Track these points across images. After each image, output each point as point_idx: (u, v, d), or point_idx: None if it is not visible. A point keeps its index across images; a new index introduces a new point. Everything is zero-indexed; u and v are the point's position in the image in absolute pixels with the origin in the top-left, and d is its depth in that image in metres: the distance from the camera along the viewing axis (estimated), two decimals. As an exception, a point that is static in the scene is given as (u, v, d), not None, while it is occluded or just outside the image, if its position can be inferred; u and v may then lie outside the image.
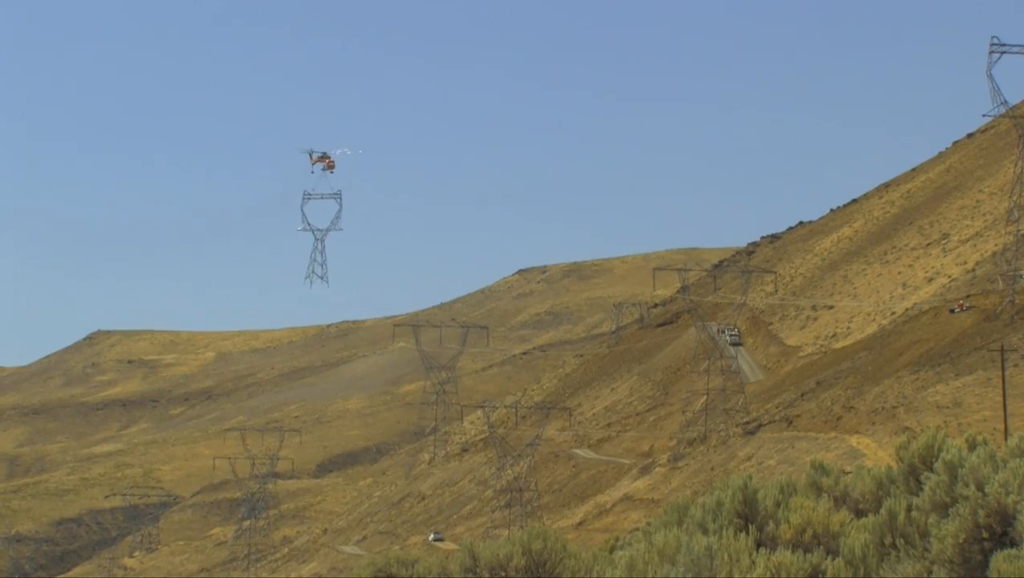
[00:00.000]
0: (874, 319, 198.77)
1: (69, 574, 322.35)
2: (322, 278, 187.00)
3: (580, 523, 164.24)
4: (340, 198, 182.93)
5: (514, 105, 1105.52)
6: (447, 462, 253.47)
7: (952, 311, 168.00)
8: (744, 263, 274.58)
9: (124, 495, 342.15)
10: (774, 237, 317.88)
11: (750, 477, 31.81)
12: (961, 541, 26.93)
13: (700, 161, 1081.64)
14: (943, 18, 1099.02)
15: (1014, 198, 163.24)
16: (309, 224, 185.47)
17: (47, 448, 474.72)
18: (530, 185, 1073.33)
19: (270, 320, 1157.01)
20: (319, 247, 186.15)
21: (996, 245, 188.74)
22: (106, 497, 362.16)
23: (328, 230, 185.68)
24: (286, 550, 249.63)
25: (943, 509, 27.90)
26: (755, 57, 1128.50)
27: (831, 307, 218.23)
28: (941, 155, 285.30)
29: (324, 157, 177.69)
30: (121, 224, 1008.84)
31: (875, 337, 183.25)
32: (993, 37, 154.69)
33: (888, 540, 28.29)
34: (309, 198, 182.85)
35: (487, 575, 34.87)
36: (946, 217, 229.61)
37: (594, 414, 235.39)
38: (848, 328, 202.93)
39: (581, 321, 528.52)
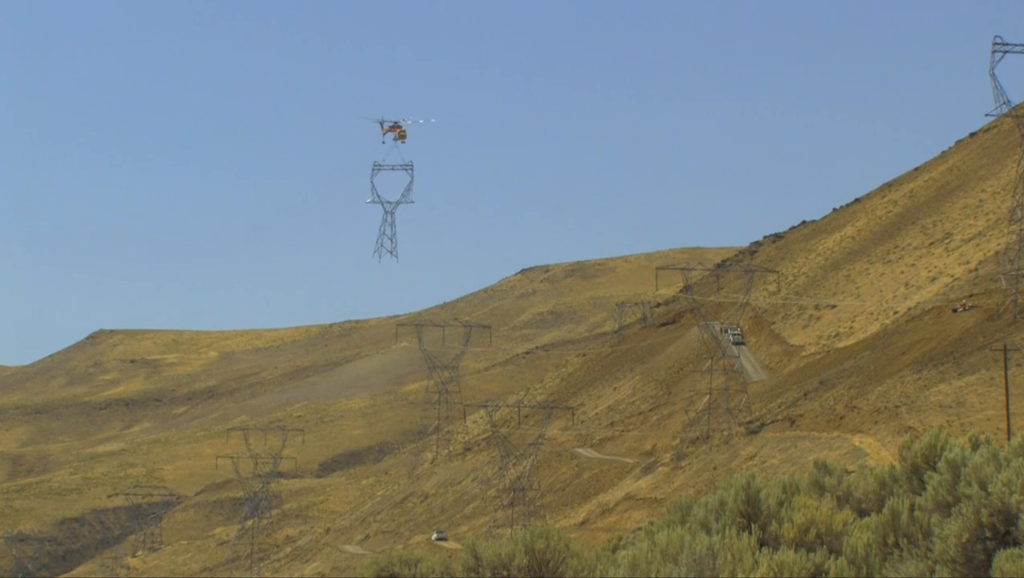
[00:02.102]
0: (877, 318, 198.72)
1: (72, 573, 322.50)
2: (391, 252, 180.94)
3: (583, 522, 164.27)
4: (412, 169, 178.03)
5: (515, 104, 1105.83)
6: (450, 461, 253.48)
7: (955, 310, 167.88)
8: (747, 262, 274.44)
9: (127, 494, 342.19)
10: (777, 236, 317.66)
11: (753, 476, 31.83)
12: (964, 541, 26.93)
13: (703, 160, 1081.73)
14: (946, 17, 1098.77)
15: (1017, 197, 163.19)
16: (378, 196, 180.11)
17: (50, 447, 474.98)
18: (533, 184, 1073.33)
19: (273, 319, 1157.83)
20: (388, 220, 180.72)
21: (999, 244, 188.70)
22: (109, 496, 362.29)
23: (398, 202, 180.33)
24: (289, 549, 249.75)
25: (946, 508, 27.90)
26: (757, 56, 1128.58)
27: (834, 306, 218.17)
28: (944, 154, 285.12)
29: (396, 126, 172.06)
30: (124, 223, 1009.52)
31: (878, 336, 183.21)
32: (996, 36, 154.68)
33: (891, 539, 28.30)
34: (379, 169, 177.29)
35: (490, 574, 34.87)
36: (949, 216, 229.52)
37: (597, 413, 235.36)
38: (851, 327, 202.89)
39: (584, 320, 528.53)
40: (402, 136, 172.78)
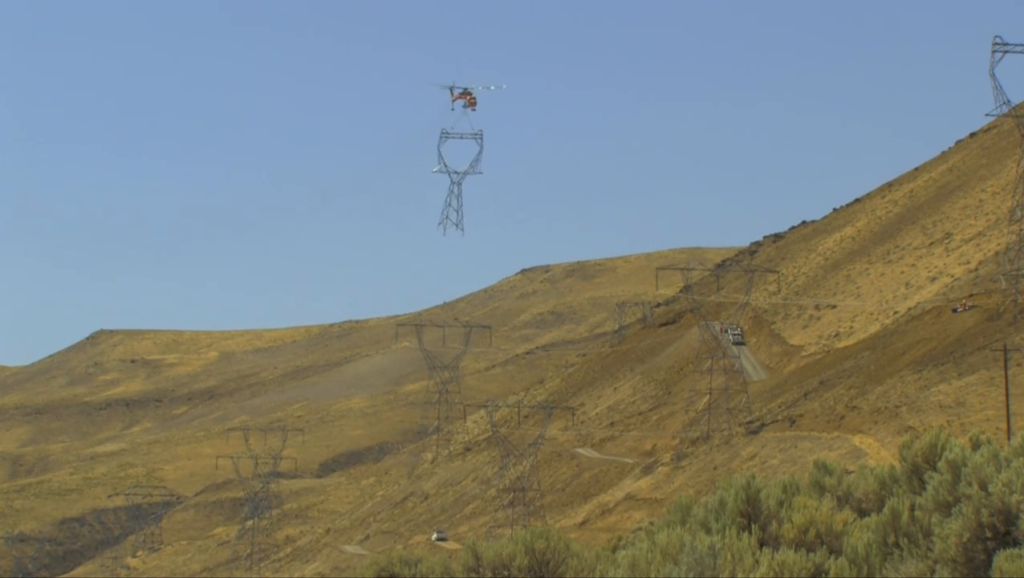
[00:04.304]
0: (877, 318, 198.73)
1: (72, 574, 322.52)
2: (457, 225, 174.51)
3: (583, 523, 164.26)
4: (481, 138, 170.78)
5: (514, 104, 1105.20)
6: (450, 461, 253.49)
7: (955, 310, 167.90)
8: (747, 262, 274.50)
9: (127, 495, 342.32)
10: (777, 236, 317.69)
11: (753, 476, 31.84)
12: (964, 540, 26.94)
13: (703, 160, 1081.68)
14: (946, 17, 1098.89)
15: (1017, 197, 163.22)
16: (446, 165, 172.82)
17: (50, 448, 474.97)
18: (532, 184, 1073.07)
19: (273, 319, 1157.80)
20: (455, 191, 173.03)
21: (999, 244, 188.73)
22: (109, 497, 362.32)
23: (466, 172, 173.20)
24: (289, 550, 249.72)
25: (946, 508, 27.91)
26: (758, 56, 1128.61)
27: (834, 306, 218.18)
28: (944, 154, 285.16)
29: (465, 93, 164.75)
30: (124, 223, 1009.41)
31: (878, 336, 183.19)
32: (996, 36, 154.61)
33: (891, 539, 28.31)
34: (447, 137, 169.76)
35: (490, 574, 34.88)
36: (949, 216, 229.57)
37: (597, 413, 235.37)
38: (851, 327, 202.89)
39: (584, 320, 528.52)
40: (472, 103, 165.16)
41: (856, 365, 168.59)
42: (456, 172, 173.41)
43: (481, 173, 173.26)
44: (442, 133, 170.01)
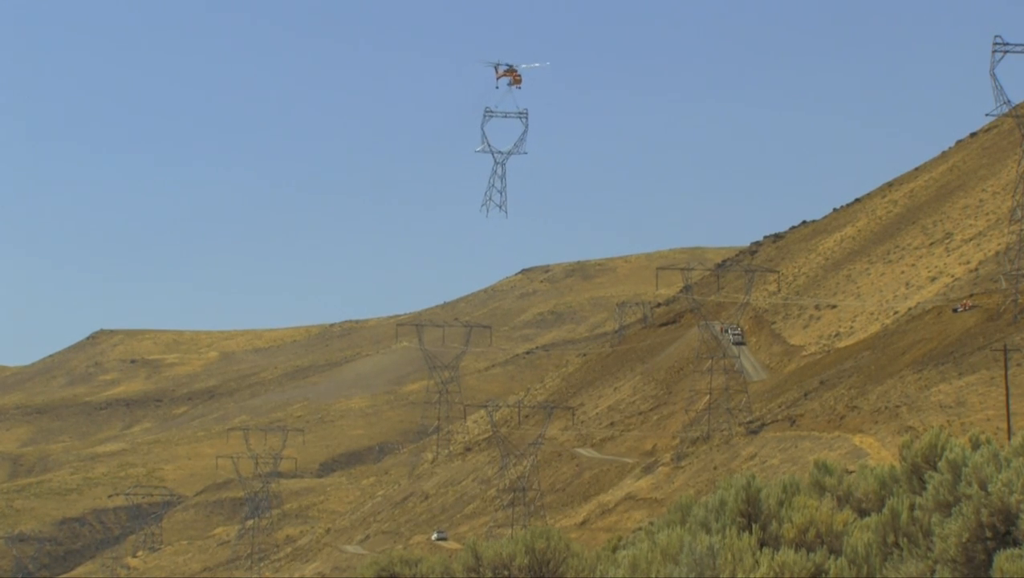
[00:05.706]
0: (877, 318, 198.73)
1: (72, 574, 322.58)
2: (500, 207, 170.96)
3: (583, 522, 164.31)
4: (526, 118, 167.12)
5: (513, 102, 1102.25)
6: (450, 461, 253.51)
7: (955, 310, 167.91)
8: (747, 262, 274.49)
9: (127, 494, 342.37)
10: (777, 236, 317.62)
11: (753, 476, 31.84)
12: (964, 540, 26.94)
13: (703, 160, 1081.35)
14: (946, 17, 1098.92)
15: (1017, 197, 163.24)
16: (489, 145, 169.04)
17: (50, 447, 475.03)
18: (532, 184, 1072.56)
19: (273, 319, 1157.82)
20: (498, 171, 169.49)
21: (999, 244, 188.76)
22: (109, 496, 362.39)
23: (510, 152, 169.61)
24: (289, 549, 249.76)
25: (946, 508, 27.91)
26: (758, 56, 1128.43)
27: (834, 306, 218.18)
28: (944, 154, 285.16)
29: (511, 71, 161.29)
30: (124, 223, 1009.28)
31: (878, 336, 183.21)
32: (996, 36, 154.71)
33: (891, 539, 28.31)
34: (491, 116, 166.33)
35: (490, 574, 34.89)
36: (949, 216, 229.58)
37: (597, 413, 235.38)
38: (851, 327, 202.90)
39: (584, 320, 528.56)
40: (517, 81, 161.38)
41: (856, 365, 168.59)
42: (500, 152, 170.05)
43: (526, 153, 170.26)
44: (485, 112, 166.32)
